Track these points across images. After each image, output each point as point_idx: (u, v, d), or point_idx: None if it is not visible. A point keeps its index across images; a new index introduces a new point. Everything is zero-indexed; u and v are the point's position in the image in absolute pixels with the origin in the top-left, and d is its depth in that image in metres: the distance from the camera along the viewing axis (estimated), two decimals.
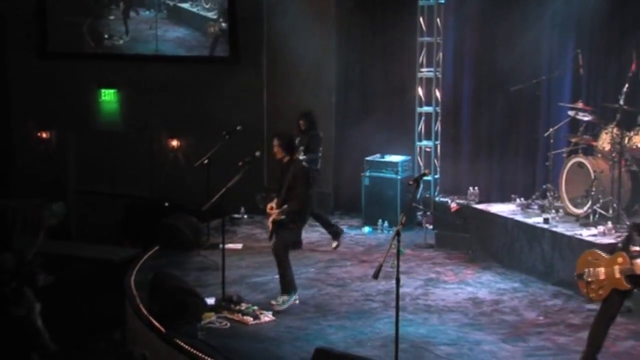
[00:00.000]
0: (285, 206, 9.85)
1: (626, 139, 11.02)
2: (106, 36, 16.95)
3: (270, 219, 10.02)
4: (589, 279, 7.83)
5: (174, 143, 16.46)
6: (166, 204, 15.47)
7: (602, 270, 7.76)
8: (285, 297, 9.97)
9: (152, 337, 9.33)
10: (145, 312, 9.78)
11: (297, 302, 10.14)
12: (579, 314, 9.74)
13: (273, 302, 9.98)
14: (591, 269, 7.83)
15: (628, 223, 10.72)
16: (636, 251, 7.64)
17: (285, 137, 10.26)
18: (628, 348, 8.77)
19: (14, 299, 9.55)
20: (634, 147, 11.07)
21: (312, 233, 13.18)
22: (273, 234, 10.06)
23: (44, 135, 17.51)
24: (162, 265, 11.47)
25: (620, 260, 7.68)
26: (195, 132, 15.95)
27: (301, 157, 12.07)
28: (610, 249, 8.04)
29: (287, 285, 10.04)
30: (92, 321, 12.09)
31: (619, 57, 12.08)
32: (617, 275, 7.66)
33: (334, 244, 12.58)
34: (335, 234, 12.63)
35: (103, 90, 16.99)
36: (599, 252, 7.95)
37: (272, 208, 10.03)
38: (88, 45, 17.04)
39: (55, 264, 13.72)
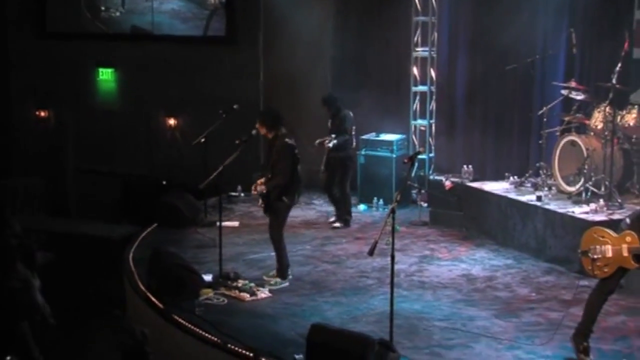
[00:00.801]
0: (264, 179, 9.90)
1: (618, 117, 11.10)
2: (103, 8, 16.93)
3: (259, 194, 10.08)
4: (595, 256, 7.70)
5: (172, 122, 16.46)
6: (164, 182, 15.50)
7: (609, 247, 7.67)
8: (279, 280, 10.08)
9: (150, 313, 9.43)
10: (143, 288, 9.88)
11: (291, 276, 10.24)
12: (570, 290, 9.71)
13: (265, 277, 10.14)
14: (597, 246, 7.72)
15: (619, 200, 10.86)
16: None
17: (266, 114, 10.26)
18: (618, 323, 8.88)
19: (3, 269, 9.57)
20: (626, 125, 11.14)
21: (308, 211, 13.34)
22: (266, 209, 10.10)
23: (43, 114, 17.52)
24: (160, 242, 11.48)
25: (629, 239, 7.63)
26: (193, 110, 15.94)
27: (334, 141, 12.17)
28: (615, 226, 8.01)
29: (284, 270, 10.16)
30: (91, 298, 12.15)
31: (612, 36, 12.00)
32: (625, 253, 7.61)
33: (336, 224, 12.60)
34: (345, 221, 12.62)
35: (101, 70, 16.99)
36: (605, 229, 7.88)
37: (261, 183, 10.03)
38: (85, 19, 17.03)
39: (54, 241, 13.79)
